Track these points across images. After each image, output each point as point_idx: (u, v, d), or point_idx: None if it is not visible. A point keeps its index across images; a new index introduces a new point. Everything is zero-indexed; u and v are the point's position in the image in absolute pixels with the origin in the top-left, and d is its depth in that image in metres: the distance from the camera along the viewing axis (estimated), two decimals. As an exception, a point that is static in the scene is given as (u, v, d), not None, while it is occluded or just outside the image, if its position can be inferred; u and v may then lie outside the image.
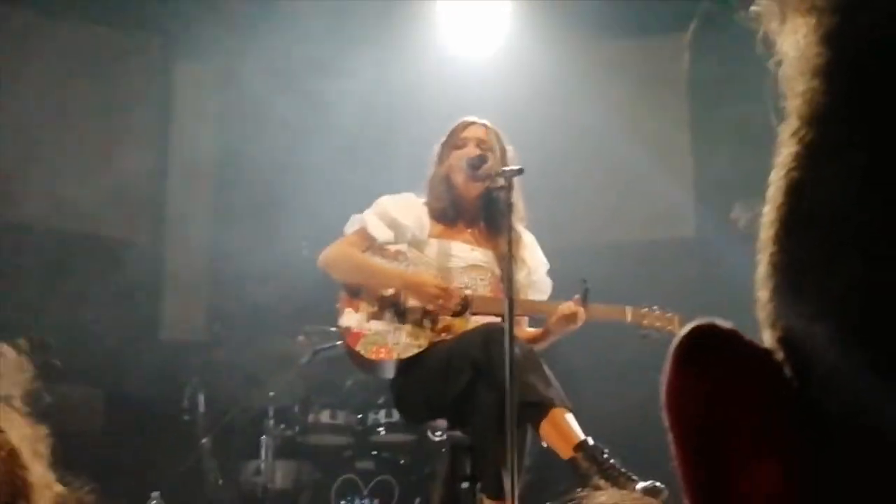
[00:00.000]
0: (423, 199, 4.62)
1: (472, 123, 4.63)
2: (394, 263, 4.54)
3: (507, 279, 3.92)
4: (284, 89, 6.76)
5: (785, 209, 0.58)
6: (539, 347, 4.42)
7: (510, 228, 3.99)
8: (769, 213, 0.59)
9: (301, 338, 5.91)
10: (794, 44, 0.59)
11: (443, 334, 4.43)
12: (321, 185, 6.42)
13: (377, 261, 4.53)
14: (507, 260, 3.99)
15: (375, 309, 4.50)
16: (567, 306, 4.39)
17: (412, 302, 4.47)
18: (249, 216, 6.83)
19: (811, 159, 0.57)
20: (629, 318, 4.49)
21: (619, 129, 6.69)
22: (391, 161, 6.38)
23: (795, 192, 0.58)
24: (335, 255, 4.53)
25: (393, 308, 4.48)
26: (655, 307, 4.52)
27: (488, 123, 4.61)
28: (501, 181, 4.11)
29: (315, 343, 5.70)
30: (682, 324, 3.91)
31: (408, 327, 4.45)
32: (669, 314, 4.50)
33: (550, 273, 4.67)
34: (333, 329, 4.90)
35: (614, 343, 5.31)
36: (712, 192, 6.28)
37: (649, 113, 6.87)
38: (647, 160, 6.64)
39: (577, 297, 4.41)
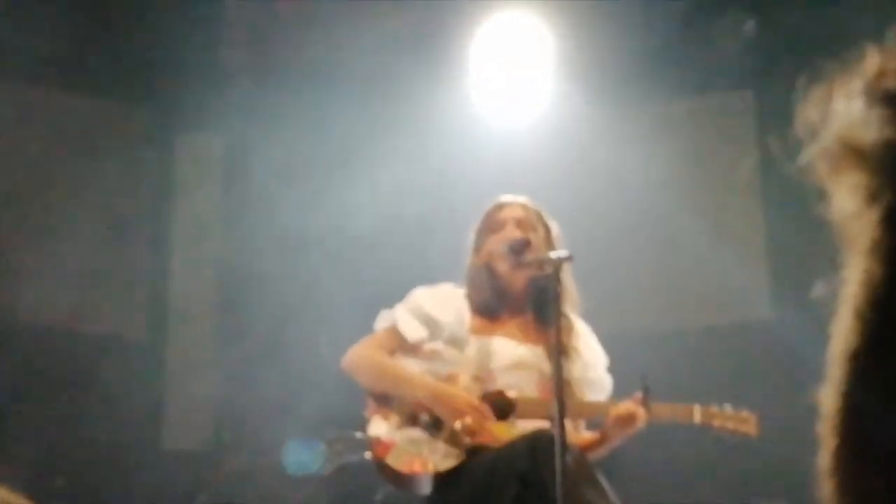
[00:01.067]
0: (462, 290, 4.26)
1: (508, 203, 4.29)
2: (427, 365, 4.16)
3: (557, 377, 3.55)
4: (302, 180, 6.33)
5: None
6: (597, 455, 4.05)
7: (559, 319, 3.63)
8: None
9: (323, 446, 5.51)
10: (849, 197, 0.69)
11: (485, 444, 4.02)
12: (350, 275, 5.99)
13: (407, 364, 4.17)
14: (556, 354, 3.60)
15: (406, 417, 4.12)
16: (625, 407, 3.99)
17: (447, 410, 4.12)
18: (261, 310, 6.26)
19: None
20: (698, 418, 4.07)
21: (677, 199, 6.23)
22: (425, 250, 5.96)
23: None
24: (360, 357, 4.19)
25: (427, 417, 4.09)
26: (728, 406, 4.10)
27: (526, 201, 4.28)
28: (548, 268, 3.76)
29: (339, 452, 5.34)
30: (759, 425, 3.50)
31: (445, 436, 4.05)
32: (745, 413, 4.10)
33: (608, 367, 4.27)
34: (360, 435, 4.49)
35: (684, 443, 4.99)
36: (789, 268, 5.92)
37: (711, 180, 6.42)
38: (711, 234, 6.20)
39: (637, 394, 4.01)
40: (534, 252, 4.05)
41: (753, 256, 6.41)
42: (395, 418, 4.10)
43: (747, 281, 6.34)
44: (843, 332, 0.61)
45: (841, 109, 0.79)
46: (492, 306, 4.21)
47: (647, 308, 6.44)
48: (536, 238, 4.12)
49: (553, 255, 3.80)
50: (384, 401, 4.15)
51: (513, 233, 4.16)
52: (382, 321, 4.23)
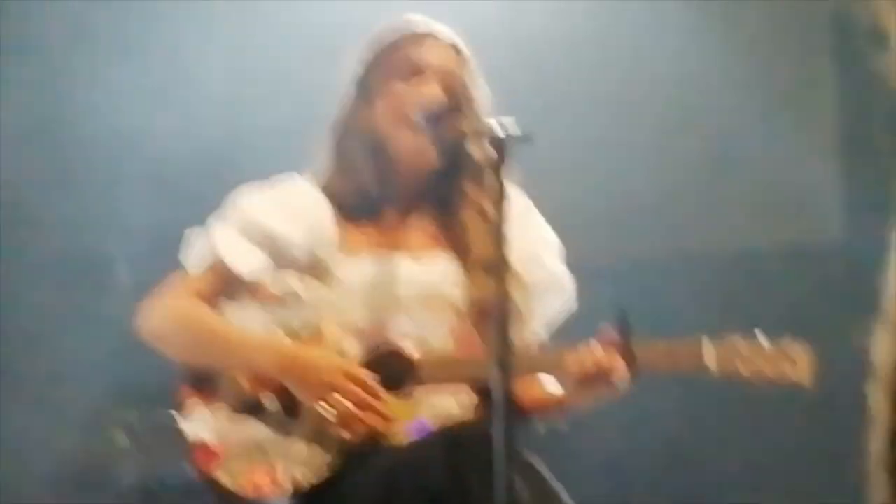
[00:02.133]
0: (312, 184, 2.98)
1: (428, 37, 2.97)
2: (270, 314, 2.89)
3: (500, 315, 2.34)
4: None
5: None
6: (566, 417, 2.89)
7: (500, 228, 2.40)
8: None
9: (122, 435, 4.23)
10: None
11: (372, 440, 2.78)
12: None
13: (243, 315, 2.90)
14: (500, 283, 2.37)
15: (242, 406, 2.86)
16: (590, 355, 2.70)
17: (307, 385, 2.94)
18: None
19: None
20: (712, 362, 2.71)
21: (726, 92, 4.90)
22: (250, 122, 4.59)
23: None
24: (164, 315, 2.92)
25: (276, 404, 2.85)
26: (759, 335, 2.71)
27: (454, 38, 2.97)
28: (487, 148, 2.49)
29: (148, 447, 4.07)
30: (814, 369, 2.63)
31: (304, 436, 2.82)
32: (791, 348, 2.72)
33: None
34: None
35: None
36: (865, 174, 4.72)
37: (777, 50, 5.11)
38: (759, 123, 4.87)
39: (606, 330, 2.73)
40: (466, 122, 2.78)
41: (822, 157, 5.12)
42: (224, 409, 2.85)
43: (814, 190, 5.06)
44: None
45: None
46: (374, 202, 2.94)
47: (653, 222, 5.12)
48: (468, 104, 2.87)
49: (499, 124, 2.49)
50: (206, 380, 2.86)
51: (434, 92, 2.86)
52: (194, 250, 2.91)
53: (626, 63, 5.04)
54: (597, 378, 2.69)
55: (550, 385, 2.88)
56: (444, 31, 2.96)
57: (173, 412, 2.85)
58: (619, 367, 2.69)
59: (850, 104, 5.14)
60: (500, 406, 2.26)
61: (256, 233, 2.84)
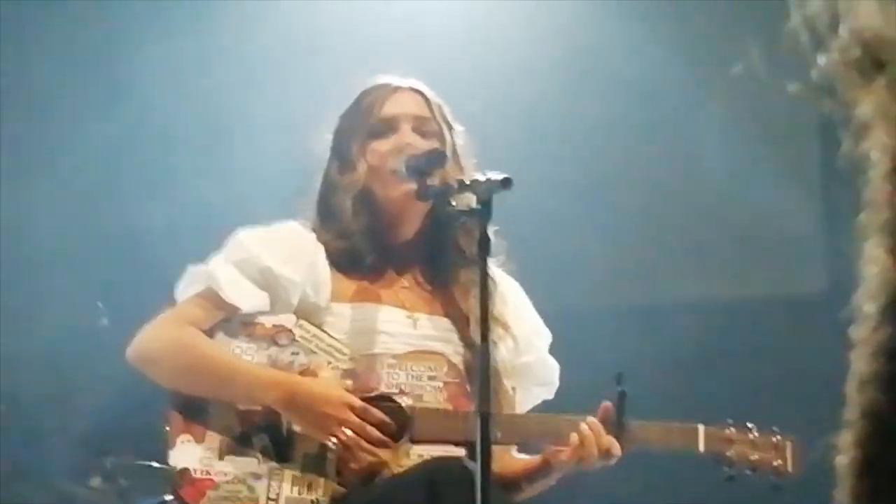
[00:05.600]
0: (312, 232, 2.97)
1: (399, 89, 3.01)
2: (270, 351, 2.86)
3: (482, 377, 2.46)
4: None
5: None
6: (531, 491, 2.92)
7: (485, 280, 2.51)
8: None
9: (97, 481, 4.04)
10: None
11: (359, 477, 2.79)
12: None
13: (237, 351, 2.87)
14: (483, 336, 2.47)
15: (234, 437, 2.83)
16: (592, 435, 2.77)
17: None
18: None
19: None
20: (703, 445, 2.87)
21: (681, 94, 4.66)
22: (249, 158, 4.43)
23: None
24: (158, 341, 2.89)
25: (266, 435, 2.83)
26: (751, 426, 2.89)
27: (424, 87, 3.02)
28: (469, 199, 2.63)
29: (125, 491, 3.95)
30: (796, 455, 2.74)
31: (294, 470, 2.80)
32: (777, 437, 2.90)
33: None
34: (158, 466, 3.33)
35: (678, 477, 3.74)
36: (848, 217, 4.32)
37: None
38: (734, 159, 4.64)
39: (605, 407, 2.80)
40: (450, 171, 2.83)
41: (805, 193, 4.91)
42: (214, 440, 2.82)
43: (798, 233, 4.84)
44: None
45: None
46: (367, 256, 2.93)
47: (625, 272, 4.89)
48: (447, 150, 2.88)
49: (482, 176, 2.59)
50: (196, 412, 2.82)
51: (410, 139, 2.89)
52: (192, 284, 2.87)
53: (608, 108, 4.88)
54: (595, 458, 2.76)
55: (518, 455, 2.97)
56: (410, 82, 2.99)
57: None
58: (615, 447, 2.76)
59: (834, 150, 4.93)
60: (483, 458, 2.35)
61: (255, 269, 2.82)
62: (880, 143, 0.72)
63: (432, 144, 2.86)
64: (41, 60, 4.88)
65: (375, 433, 2.73)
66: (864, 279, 0.74)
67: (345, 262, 2.90)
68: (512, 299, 2.97)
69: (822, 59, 0.75)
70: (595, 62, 4.73)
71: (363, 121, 2.92)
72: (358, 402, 2.75)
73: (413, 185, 2.78)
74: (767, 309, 4.81)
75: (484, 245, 2.50)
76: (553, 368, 3.01)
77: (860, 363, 0.72)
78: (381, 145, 2.88)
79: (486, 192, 2.53)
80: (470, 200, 2.62)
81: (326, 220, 2.92)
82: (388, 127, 2.90)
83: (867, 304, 0.73)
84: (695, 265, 4.98)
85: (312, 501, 2.76)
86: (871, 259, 0.73)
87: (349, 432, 2.72)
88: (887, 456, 0.66)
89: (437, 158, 2.79)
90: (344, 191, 2.90)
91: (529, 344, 2.98)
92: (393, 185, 2.83)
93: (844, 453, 0.70)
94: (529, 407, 2.97)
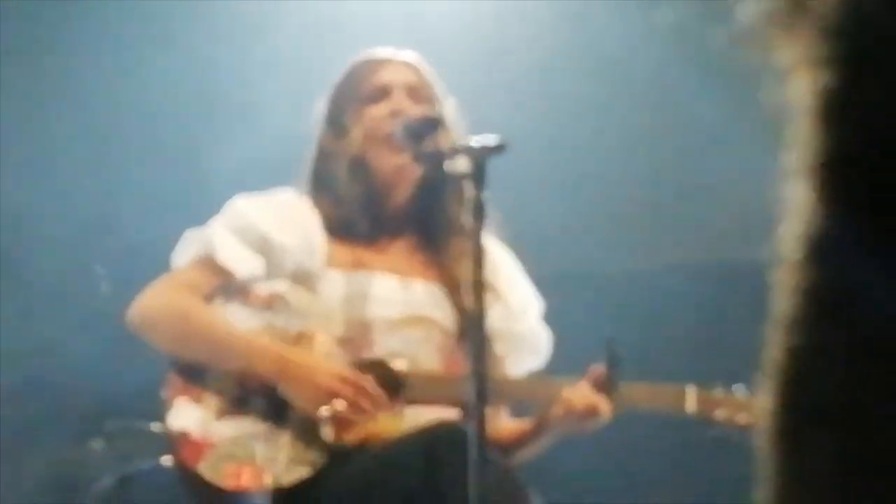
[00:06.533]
0: (306, 199, 3.01)
1: (391, 61, 3.05)
2: (261, 317, 2.90)
3: (476, 338, 2.41)
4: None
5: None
6: (526, 454, 2.96)
7: (478, 245, 2.47)
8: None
9: (98, 443, 4.06)
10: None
11: (355, 443, 2.82)
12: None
13: (233, 317, 2.91)
14: (477, 300, 2.43)
15: (232, 399, 2.87)
16: (580, 393, 2.81)
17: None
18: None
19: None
20: (692, 406, 2.91)
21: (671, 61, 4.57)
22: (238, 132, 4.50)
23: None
24: (156, 307, 2.93)
25: (264, 399, 2.86)
26: (740, 387, 2.92)
27: (416, 59, 3.05)
28: (463, 163, 2.55)
29: (123, 454, 3.92)
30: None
31: (290, 433, 2.84)
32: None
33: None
34: (157, 430, 3.36)
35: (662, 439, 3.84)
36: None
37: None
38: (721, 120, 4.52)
39: (595, 369, 2.83)
40: (445, 136, 2.83)
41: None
42: (212, 402, 2.86)
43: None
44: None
45: None
46: (361, 223, 2.95)
47: (614, 236, 4.88)
48: (440, 116, 2.89)
49: (476, 141, 2.56)
50: (195, 375, 2.88)
51: (405, 104, 2.91)
52: (189, 249, 2.91)
53: (601, 79, 4.88)
54: (583, 416, 2.80)
55: (509, 422, 3.01)
56: (400, 53, 3.03)
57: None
58: (605, 407, 2.80)
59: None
60: (479, 420, 2.32)
61: (251, 235, 2.86)
62: (804, 85, 0.72)
63: (426, 110, 2.88)
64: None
65: (367, 404, 2.77)
66: (785, 221, 0.76)
67: (339, 228, 2.93)
68: (504, 267, 3.01)
69: (746, 5, 0.75)
70: (584, 31, 4.78)
71: (357, 87, 2.96)
72: (350, 373, 2.78)
73: (409, 150, 2.80)
74: (759, 272, 4.76)
75: (478, 211, 2.51)
76: (544, 337, 3.05)
77: (780, 305, 0.72)
78: (376, 110, 2.91)
79: (480, 158, 2.53)
80: (464, 166, 2.61)
81: (321, 186, 2.96)
82: (382, 92, 2.93)
83: (789, 244, 0.74)
84: (685, 230, 5.01)
85: (310, 466, 2.79)
86: (793, 201, 0.74)
87: (340, 404, 2.75)
88: (803, 399, 0.68)
89: (432, 123, 2.80)
90: (338, 157, 2.93)
91: (521, 312, 3.02)
92: (388, 150, 2.87)
93: (762, 397, 0.70)
94: (518, 375, 3.01)
